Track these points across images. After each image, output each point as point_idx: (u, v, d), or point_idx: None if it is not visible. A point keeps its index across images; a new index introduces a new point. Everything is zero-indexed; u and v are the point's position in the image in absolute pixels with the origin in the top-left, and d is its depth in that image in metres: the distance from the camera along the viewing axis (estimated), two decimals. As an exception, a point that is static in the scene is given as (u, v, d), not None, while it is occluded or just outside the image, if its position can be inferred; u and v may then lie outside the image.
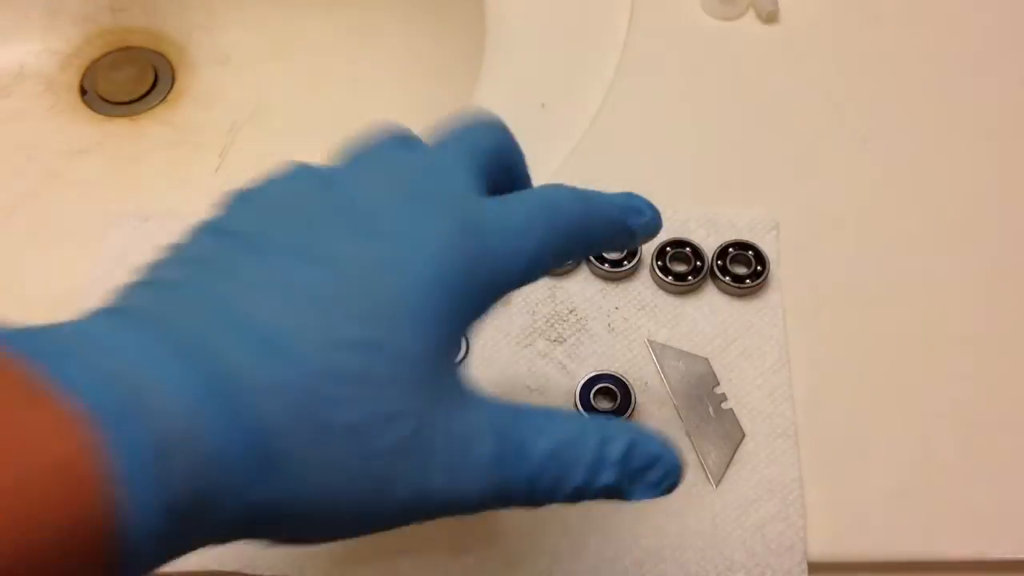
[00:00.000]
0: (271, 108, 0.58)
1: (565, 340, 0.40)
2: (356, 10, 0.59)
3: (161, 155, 0.56)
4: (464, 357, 0.40)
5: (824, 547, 0.36)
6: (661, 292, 0.42)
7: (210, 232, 0.26)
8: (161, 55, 0.60)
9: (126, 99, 0.58)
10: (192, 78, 0.59)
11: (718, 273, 0.41)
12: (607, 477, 0.26)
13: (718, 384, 0.40)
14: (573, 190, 0.29)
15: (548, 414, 0.27)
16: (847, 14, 0.51)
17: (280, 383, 0.22)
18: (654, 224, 0.31)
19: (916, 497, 0.38)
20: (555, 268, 0.28)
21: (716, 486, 0.37)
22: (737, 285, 0.41)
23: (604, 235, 0.30)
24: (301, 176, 0.27)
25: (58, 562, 0.19)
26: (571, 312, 0.41)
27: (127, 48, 0.60)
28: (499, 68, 0.49)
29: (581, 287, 0.42)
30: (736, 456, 0.38)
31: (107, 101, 0.58)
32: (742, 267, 0.42)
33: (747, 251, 0.42)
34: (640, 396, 0.39)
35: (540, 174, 0.45)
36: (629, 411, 0.38)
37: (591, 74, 0.48)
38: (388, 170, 0.27)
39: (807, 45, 0.49)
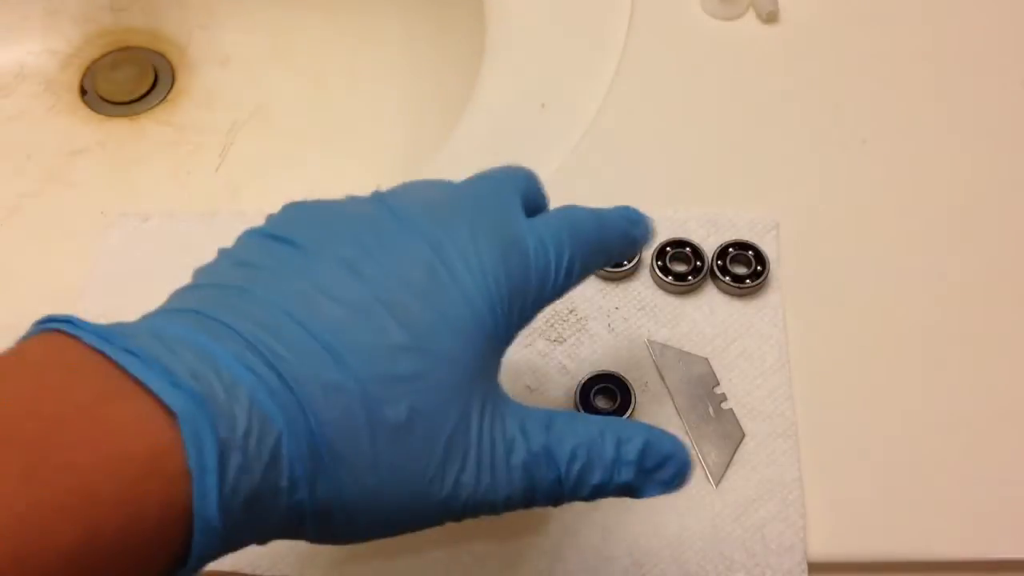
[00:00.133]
0: (271, 108, 0.58)
1: (565, 340, 0.40)
2: (356, 10, 0.59)
3: (161, 155, 0.56)
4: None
5: (824, 547, 0.36)
6: (661, 292, 0.42)
7: (265, 238, 0.27)
8: (161, 55, 0.60)
9: (126, 99, 0.58)
10: (192, 78, 0.59)
11: (718, 273, 0.41)
12: (625, 475, 0.28)
13: (718, 384, 0.40)
14: (586, 209, 0.31)
15: (571, 417, 0.28)
16: (847, 14, 0.51)
17: (338, 385, 0.24)
18: (650, 232, 0.33)
19: (916, 497, 0.38)
20: (580, 281, 0.30)
21: (716, 486, 0.37)
22: (737, 285, 0.41)
23: (617, 247, 0.32)
24: (353, 198, 0.29)
25: (145, 547, 0.21)
26: (571, 312, 0.41)
27: (127, 48, 0.60)
28: (499, 68, 0.49)
29: (581, 287, 0.41)
30: (736, 456, 0.38)
31: (107, 101, 0.58)
32: (742, 267, 0.42)
33: (747, 251, 0.42)
34: (640, 396, 0.39)
35: (540, 174, 0.45)
36: (629, 411, 0.38)
37: (591, 74, 0.48)
38: (437, 191, 0.29)
39: (807, 45, 0.49)
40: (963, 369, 0.40)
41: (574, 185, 0.44)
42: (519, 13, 0.50)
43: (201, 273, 0.27)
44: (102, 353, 0.22)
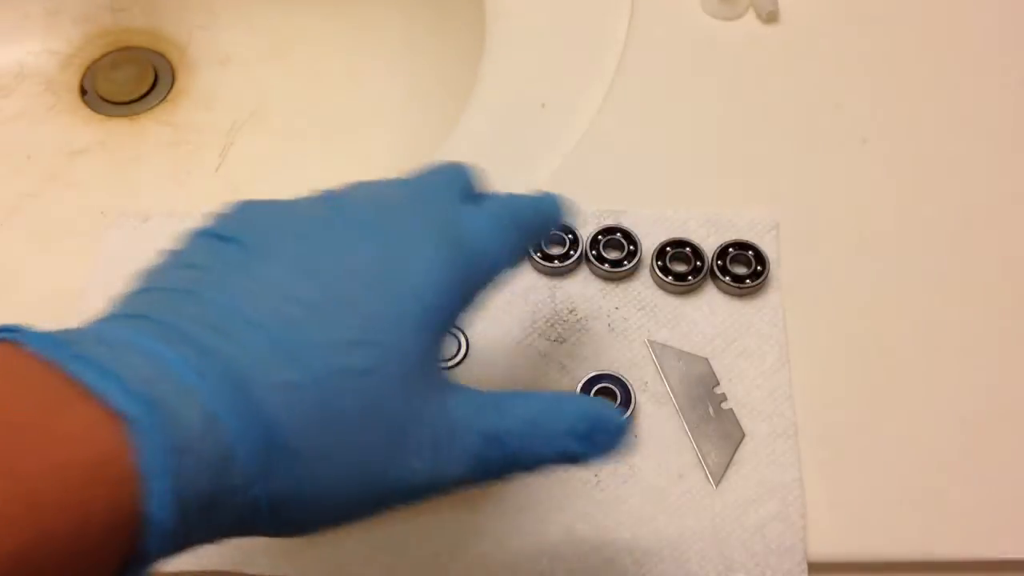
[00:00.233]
0: (271, 108, 0.58)
1: (565, 340, 0.40)
2: (356, 10, 0.59)
3: (161, 155, 0.56)
4: (465, 356, 0.40)
5: (824, 547, 0.36)
6: (661, 292, 0.42)
7: (212, 238, 0.27)
8: (161, 55, 0.60)
9: (126, 99, 0.58)
10: (192, 78, 0.59)
11: (718, 273, 0.41)
12: (566, 446, 0.29)
13: (718, 384, 0.40)
14: (518, 196, 0.33)
15: (516, 396, 0.29)
16: (847, 14, 0.50)
17: (290, 382, 0.24)
18: (564, 212, 0.34)
19: (916, 497, 0.38)
20: (517, 263, 0.32)
21: (716, 486, 0.37)
22: (737, 285, 0.41)
23: (546, 230, 0.34)
24: (302, 197, 0.29)
25: (94, 551, 0.21)
26: (571, 312, 0.41)
27: (127, 48, 0.60)
28: (499, 68, 0.49)
29: (581, 287, 0.42)
30: (736, 456, 0.38)
31: (107, 101, 0.58)
32: (742, 267, 0.42)
33: (747, 251, 0.42)
34: (640, 396, 0.39)
35: (540, 174, 0.45)
36: (629, 411, 0.38)
37: (591, 74, 0.48)
38: (383, 189, 0.30)
39: (807, 45, 0.49)
40: (963, 369, 0.40)
41: (574, 185, 0.44)
42: (519, 13, 0.50)
43: (148, 276, 0.27)
44: (52, 361, 0.22)
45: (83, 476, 0.21)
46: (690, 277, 0.41)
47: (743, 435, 0.38)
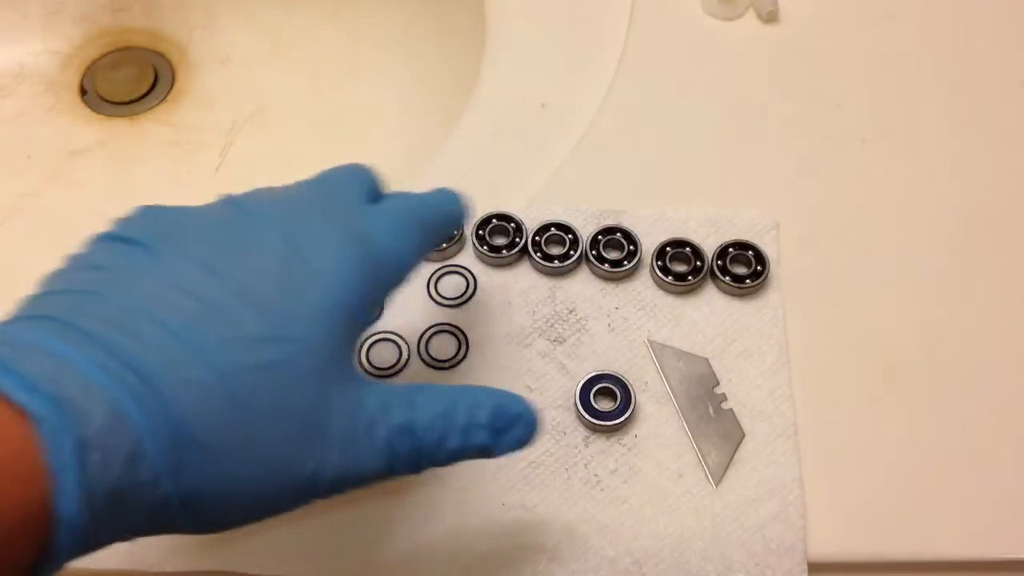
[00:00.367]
0: (271, 108, 0.58)
1: (565, 340, 0.40)
2: (356, 10, 0.59)
3: (161, 155, 0.56)
4: (464, 356, 0.40)
5: (824, 547, 0.36)
6: (661, 292, 0.42)
7: (113, 241, 0.27)
8: (161, 55, 0.60)
9: (126, 99, 0.58)
10: (192, 78, 0.59)
11: (718, 273, 0.41)
12: (479, 439, 0.29)
13: (718, 384, 0.40)
14: (420, 194, 0.34)
15: (428, 389, 0.29)
16: (847, 14, 0.51)
17: (198, 379, 0.24)
18: (468, 209, 0.35)
19: (916, 497, 0.38)
20: (422, 259, 0.33)
21: (716, 486, 0.37)
22: (737, 285, 0.41)
23: (450, 227, 0.35)
24: (205, 204, 0.30)
25: (6, 548, 0.21)
26: (571, 312, 0.41)
27: (127, 48, 0.60)
28: (499, 68, 0.49)
29: (581, 287, 0.42)
30: (736, 456, 0.38)
31: (107, 101, 0.58)
32: (742, 267, 0.42)
33: (747, 251, 0.42)
34: (640, 396, 0.39)
35: (540, 174, 0.45)
36: (629, 411, 0.38)
37: (591, 74, 0.48)
38: (285, 190, 0.30)
39: (807, 45, 0.49)
40: (963, 369, 0.40)
41: (574, 185, 0.44)
42: (519, 13, 0.50)
43: (52, 279, 0.27)
44: None
45: None
46: (690, 277, 0.41)
47: (743, 435, 0.38)
